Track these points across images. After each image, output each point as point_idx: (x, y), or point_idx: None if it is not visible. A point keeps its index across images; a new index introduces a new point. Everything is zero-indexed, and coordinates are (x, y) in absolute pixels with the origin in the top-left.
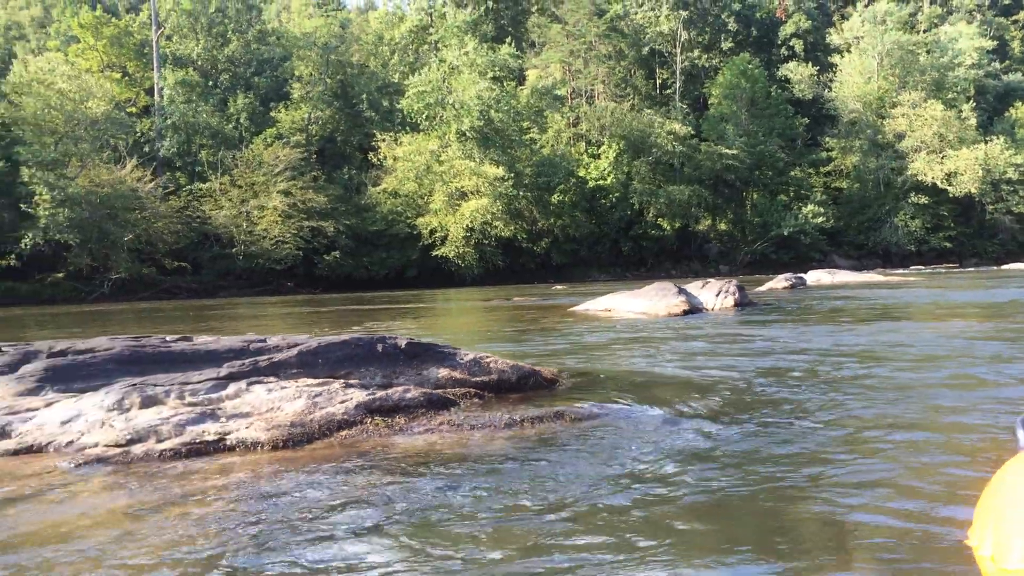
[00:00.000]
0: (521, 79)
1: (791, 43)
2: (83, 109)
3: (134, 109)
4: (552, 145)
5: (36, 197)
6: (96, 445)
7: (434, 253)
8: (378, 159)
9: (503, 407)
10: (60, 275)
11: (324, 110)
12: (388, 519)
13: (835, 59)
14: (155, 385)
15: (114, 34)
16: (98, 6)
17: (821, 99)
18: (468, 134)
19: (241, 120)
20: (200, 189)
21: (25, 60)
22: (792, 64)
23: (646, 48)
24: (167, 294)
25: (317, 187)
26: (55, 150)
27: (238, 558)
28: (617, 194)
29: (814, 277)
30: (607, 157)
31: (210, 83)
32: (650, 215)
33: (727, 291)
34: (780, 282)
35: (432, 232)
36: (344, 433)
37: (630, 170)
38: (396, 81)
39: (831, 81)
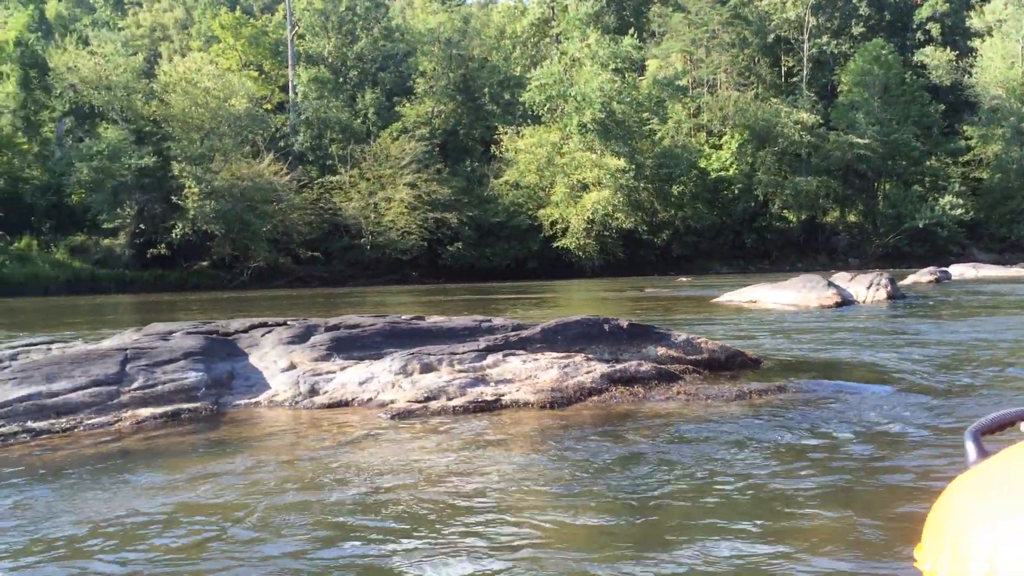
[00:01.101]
0: (641, 69)
1: (927, 27)
2: (226, 106)
3: (269, 106)
4: (672, 136)
5: (185, 190)
6: (393, 402)
7: (555, 244)
8: (500, 151)
9: (723, 382)
10: (204, 263)
11: (447, 104)
12: (663, 465)
13: (975, 43)
14: (428, 355)
15: (251, 34)
16: (237, 7)
17: (960, 85)
18: (589, 126)
19: (369, 115)
20: (331, 182)
21: (173, 60)
22: (928, 49)
23: (771, 35)
24: (300, 282)
25: (441, 179)
26: (201, 145)
27: (555, 487)
28: (740, 185)
29: (957, 271)
30: (729, 147)
31: (340, 79)
32: (775, 206)
33: (879, 284)
34: (924, 275)
35: (553, 224)
36: (595, 398)
37: (754, 161)
38: (517, 74)
39: (971, 66)
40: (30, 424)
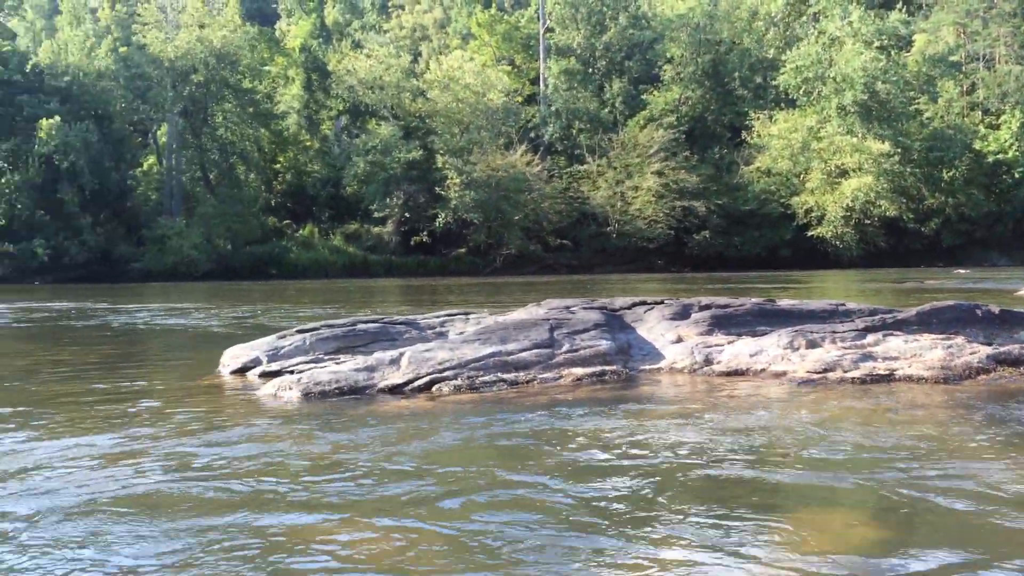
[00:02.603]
0: (908, 45)
1: None
2: (484, 101)
3: (520, 99)
4: (943, 116)
5: (448, 181)
6: (786, 372)
7: (809, 233)
8: (750, 137)
9: None
10: (462, 250)
11: (695, 90)
12: None
13: None
14: (811, 332)
15: (505, 30)
16: (492, 5)
17: None
18: (850, 108)
19: (616, 104)
20: (579, 171)
21: (434, 59)
22: None
23: None
24: (549, 269)
25: (688, 167)
26: (461, 139)
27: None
28: (1022, 168)
29: None
30: (1009, 127)
31: (588, 70)
32: None
33: None
34: None
35: (807, 211)
36: (983, 377)
37: None
38: (770, 57)
39: None
40: (501, 375)
